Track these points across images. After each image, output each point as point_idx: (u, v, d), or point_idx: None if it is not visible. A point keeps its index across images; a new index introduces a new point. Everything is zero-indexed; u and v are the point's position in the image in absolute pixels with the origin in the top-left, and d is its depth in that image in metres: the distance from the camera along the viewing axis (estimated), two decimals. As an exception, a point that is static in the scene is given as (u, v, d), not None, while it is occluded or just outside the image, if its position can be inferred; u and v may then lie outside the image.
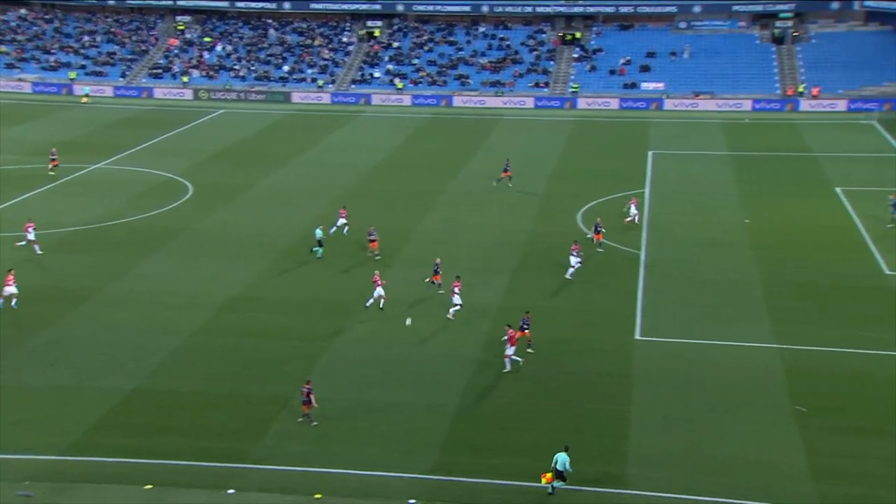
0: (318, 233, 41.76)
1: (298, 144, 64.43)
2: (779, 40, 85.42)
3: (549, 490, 24.40)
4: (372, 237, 40.48)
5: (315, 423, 27.54)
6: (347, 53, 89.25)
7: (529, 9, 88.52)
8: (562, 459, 24.59)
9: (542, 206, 49.64)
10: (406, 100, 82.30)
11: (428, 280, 37.27)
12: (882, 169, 56.63)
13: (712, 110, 78.00)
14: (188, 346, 32.53)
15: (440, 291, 36.91)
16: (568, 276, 38.44)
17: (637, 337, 33.55)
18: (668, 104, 79.49)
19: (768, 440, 26.82)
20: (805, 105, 77.32)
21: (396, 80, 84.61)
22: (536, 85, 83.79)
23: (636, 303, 36.38)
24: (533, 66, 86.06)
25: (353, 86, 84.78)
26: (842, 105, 76.29)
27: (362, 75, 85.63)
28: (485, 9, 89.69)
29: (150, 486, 24.57)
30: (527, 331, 32.04)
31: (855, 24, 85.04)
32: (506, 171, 52.82)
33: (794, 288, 37.83)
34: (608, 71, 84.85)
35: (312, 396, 27.63)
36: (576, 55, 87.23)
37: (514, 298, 37.08)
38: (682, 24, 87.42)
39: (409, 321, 33.90)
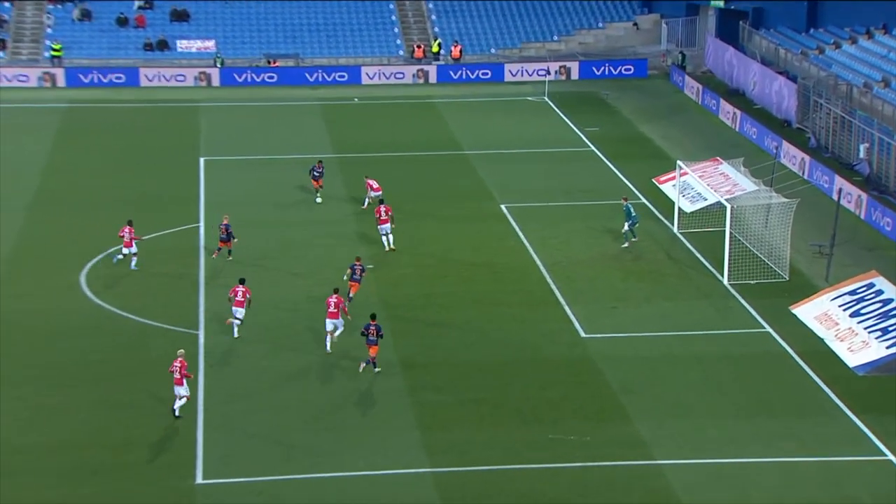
0: None
1: None
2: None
3: None
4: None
5: None
6: None
7: None
8: None
9: (10, 260, 49.05)
10: None
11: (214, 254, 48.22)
12: (550, 170, 62.90)
13: (300, 84, 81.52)
14: None
15: (230, 258, 48.63)
16: (387, 247, 49.89)
17: (200, 481, 33.56)
18: (224, 76, 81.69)
19: None
20: (444, 73, 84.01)
21: None
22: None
23: (196, 425, 36.55)
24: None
25: None
26: (498, 72, 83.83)
27: None
28: None
29: None
30: (375, 345, 39.18)
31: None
32: (316, 179, 56.76)
33: (453, 369, 40.20)
34: (114, 20, 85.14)
35: None
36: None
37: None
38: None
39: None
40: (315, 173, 56.53)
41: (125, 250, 48.40)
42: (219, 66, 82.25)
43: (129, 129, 70.73)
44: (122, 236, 48.26)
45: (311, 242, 51.63)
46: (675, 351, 42.00)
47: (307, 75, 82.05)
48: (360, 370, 39.57)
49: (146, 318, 43.82)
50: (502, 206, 56.71)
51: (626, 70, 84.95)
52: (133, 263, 48.38)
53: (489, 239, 52.58)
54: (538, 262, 49.92)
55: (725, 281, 47.75)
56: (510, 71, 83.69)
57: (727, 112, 72.78)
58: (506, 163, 64.42)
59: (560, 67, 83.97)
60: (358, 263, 44.79)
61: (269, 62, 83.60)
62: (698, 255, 50.64)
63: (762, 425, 36.82)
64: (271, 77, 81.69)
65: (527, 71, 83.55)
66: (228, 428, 36.35)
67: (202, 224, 53.77)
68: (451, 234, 52.83)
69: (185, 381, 36.76)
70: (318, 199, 56.30)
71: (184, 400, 36.89)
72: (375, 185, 54.81)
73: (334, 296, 41.48)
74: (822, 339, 35.51)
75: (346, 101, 77.66)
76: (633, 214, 51.07)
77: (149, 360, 40.64)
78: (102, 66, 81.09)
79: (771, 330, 43.53)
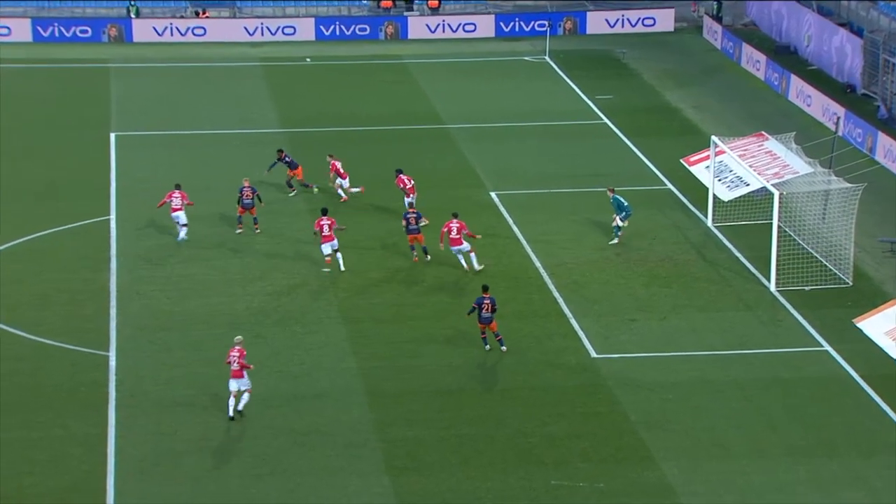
0: None
1: None
2: None
3: None
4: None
5: None
6: None
7: None
8: None
9: None
10: None
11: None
12: (552, 149, 63.11)
13: (237, 41, 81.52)
14: None
15: (257, 230, 52.07)
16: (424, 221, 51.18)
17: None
18: (140, 31, 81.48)
19: None
20: (419, 27, 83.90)
21: None
22: None
23: (106, 471, 36.39)
24: None
25: None
26: (486, 25, 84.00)
27: None
28: None
29: None
30: (491, 322, 42.49)
31: None
32: (284, 163, 56.66)
33: (431, 399, 40.28)
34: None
35: None
36: None
37: None
38: None
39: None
40: (283, 160, 56.02)
41: (174, 216, 51.12)
42: (133, 17, 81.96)
43: (19, 97, 70.45)
44: (169, 201, 50.94)
45: (253, 240, 51.53)
46: (711, 374, 42.11)
47: (246, 29, 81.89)
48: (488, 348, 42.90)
49: (42, 336, 43.73)
50: (492, 194, 56.87)
51: (647, 22, 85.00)
52: (183, 233, 51.28)
53: (477, 232, 52.56)
54: (537, 263, 50.06)
55: (773, 287, 47.95)
56: (502, 24, 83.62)
57: (774, 75, 72.92)
58: (497, 140, 64.58)
59: (565, 19, 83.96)
60: (412, 211, 49.57)
61: (197, 13, 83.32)
62: (738, 255, 50.85)
63: (820, 468, 36.90)
64: (200, 31, 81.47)
65: (523, 24, 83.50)
66: (147, 475, 36.21)
67: (113, 217, 53.69)
68: (427, 230, 52.71)
69: (245, 372, 38.48)
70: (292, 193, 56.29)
71: (246, 396, 38.60)
72: (341, 168, 55.33)
73: (455, 220, 47.84)
74: (894, 360, 35.68)
75: (295, 63, 77.62)
76: (626, 205, 51.16)
77: (46, 389, 40.51)
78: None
79: (830, 348, 43.72)
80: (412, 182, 53.06)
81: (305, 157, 58.86)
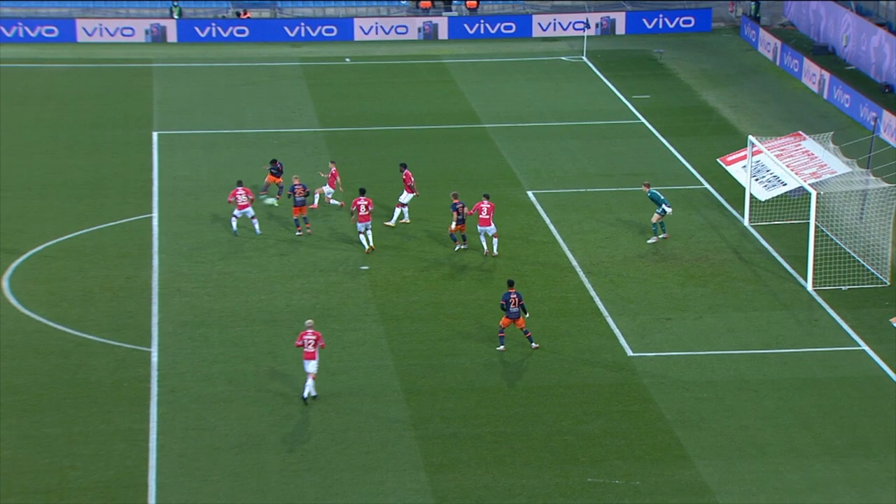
0: None
1: None
2: None
3: None
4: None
5: None
6: None
7: None
8: None
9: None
10: None
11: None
12: (590, 148, 63.03)
13: (278, 40, 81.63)
14: None
15: (308, 230, 51.68)
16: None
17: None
18: (183, 30, 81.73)
19: None
20: (457, 26, 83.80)
21: None
22: None
23: (148, 466, 36.45)
24: None
25: None
26: (524, 25, 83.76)
27: None
28: None
29: None
30: (520, 317, 42.47)
31: None
32: (274, 173, 55.77)
33: (468, 396, 40.22)
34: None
35: None
36: None
37: None
38: None
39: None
40: (274, 170, 55.63)
41: (238, 213, 51.56)
42: (176, 17, 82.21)
43: (64, 95, 70.97)
44: (234, 200, 51.36)
45: (293, 238, 51.64)
46: (746, 374, 42.00)
47: (286, 29, 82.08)
48: (502, 349, 43.06)
49: (85, 332, 43.95)
50: (529, 194, 56.90)
51: (684, 22, 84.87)
52: (257, 226, 51.87)
53: (513, 234, 52.62)
54: (574, 262, 50.06)
55: (809, 287, 47.83)
56: (539, 24, 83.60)
57: (812, 75, 72.70)
58: (534, 139, 64.53)
59: (602, 19, 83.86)
60: (458, 201, 49.78)
61: (238, 13, 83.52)
62: (775, 255, 50.73)
63: (856, 468, 36.76)
64: (241, 31, 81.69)
65: (560, 24, 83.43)
66: (188, 469, 36.37)
67: (156, 215, 53.91)
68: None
69: (317, 354, 39.25)
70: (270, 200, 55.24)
71: (311, 380, 39.41)
72: (338, 176, 54.29)
73: (486, 201, 49.21)
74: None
75: (335, 62, 77.77)
76: (663, 199, 51.07)
77: (89, 384, 40.75)
78: (30, 16, 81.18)
79: (867, 348, 43.59)
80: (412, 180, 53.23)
81: (344, 155, 59.05)
